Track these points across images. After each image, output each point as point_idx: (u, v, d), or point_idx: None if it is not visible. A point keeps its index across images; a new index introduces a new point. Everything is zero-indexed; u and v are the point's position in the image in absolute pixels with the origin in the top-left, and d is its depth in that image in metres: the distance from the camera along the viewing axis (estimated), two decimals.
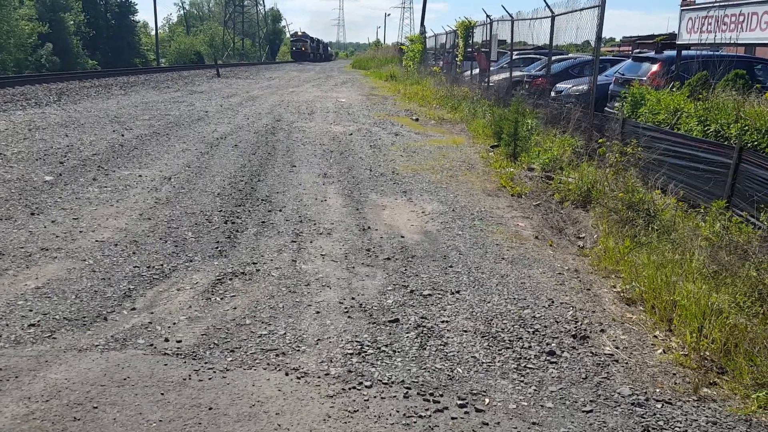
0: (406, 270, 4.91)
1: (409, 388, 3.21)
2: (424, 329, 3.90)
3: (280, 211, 6.50)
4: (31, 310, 3.91)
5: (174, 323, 3.84)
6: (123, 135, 10.60)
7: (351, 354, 3.54)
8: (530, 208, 7.08)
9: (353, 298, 4.32)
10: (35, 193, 6.62)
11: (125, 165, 8.28)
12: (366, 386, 3.21)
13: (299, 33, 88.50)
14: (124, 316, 3.91)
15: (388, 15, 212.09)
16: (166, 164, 8.46)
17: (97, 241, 5.25)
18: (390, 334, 3.82)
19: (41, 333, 3.64)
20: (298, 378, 3.27)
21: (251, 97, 19.78)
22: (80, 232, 5.46)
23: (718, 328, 3.70)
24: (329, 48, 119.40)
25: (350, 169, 8.80)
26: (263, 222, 6.08)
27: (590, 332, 3.98)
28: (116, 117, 12.95)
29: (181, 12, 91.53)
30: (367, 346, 3.65)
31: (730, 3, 8.98)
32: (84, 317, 3.87)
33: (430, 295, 4.44)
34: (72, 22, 54.77)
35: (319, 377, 3.29)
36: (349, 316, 4.04)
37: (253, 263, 4.94)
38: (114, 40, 64.01)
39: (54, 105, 14.83)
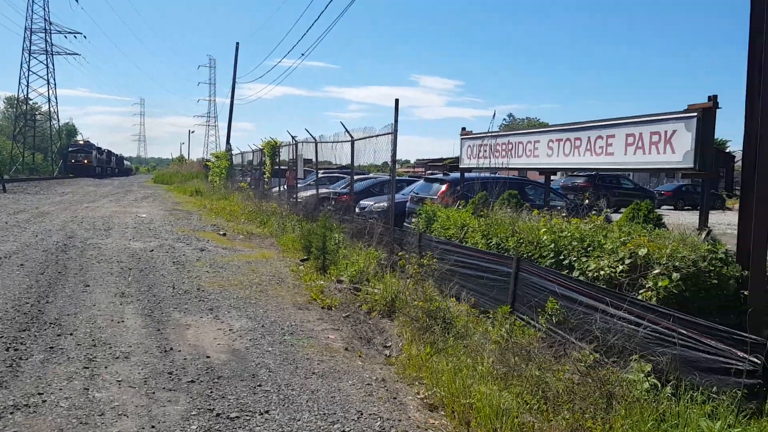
0: (212, 392, 4.71)
1: None
2: None
3: (71, 334, 5.95)
4: None
5: None
6: None
7: None
8: (340, 319, 7.24)
9: (153, 427, 4.02)
10: None
11: None
12: None
13: (80, 141, 74.49)
14: None
15: (193, 132, 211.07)
16: None
17: None
18: None
19: None
20: None
21: (41, 213, 18.21)
22: None
23: (509, 427, 4.02)
24: (125, 161, 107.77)
25: (151, 287, 8.38)
26: (51, 347, 5.51)
27: None
28: None
29: None
30: None
31: (501, 133, 10.49)
32: None
33: (237, 417, 4.28)
34: None
35: None
36: None
37: (39, 394, 4.42)
38: None
39: None
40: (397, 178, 13.15)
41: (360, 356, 5.93)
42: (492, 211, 8.81)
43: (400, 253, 9.45)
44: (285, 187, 21.17)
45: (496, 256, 7.47)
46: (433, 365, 5.21)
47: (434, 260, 7.91)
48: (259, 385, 4.92)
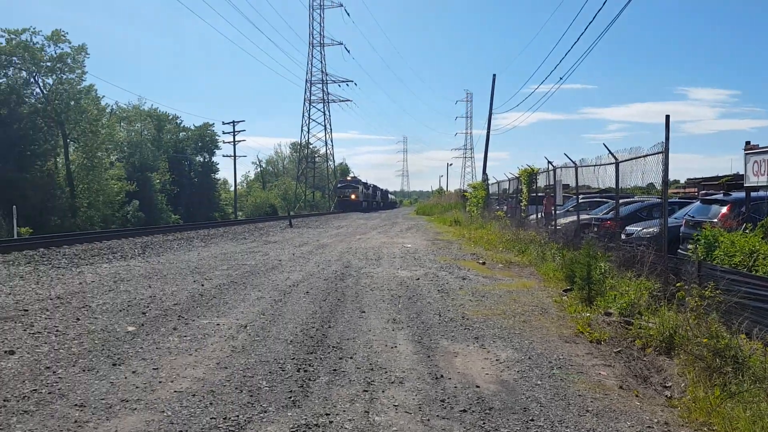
0: (484, 423, 4.70)
1: None
2: None
3: (351, 358, 6.47)
4: None
5: None
6: (203, 285, 11.05)
7: None
8: (611, 355, 6.78)
9: None
10: (118, 344, 6.87)
11: (204, 314, 8.56)
12: None
13: (348, 178, 78.87)
14: None
15: (450, 164, 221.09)
16: (242, 312, 8.69)
17: (175, 391, 5.33)
18: None
19: None
20: None
21: (321, 245, 20.45)
22: (159, 382, 5.57)
23: None
24: (390, 195, 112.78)
25: (419, 314, 8.78)
26: (335, 370, 6.05)
27: None
28: (197, 268, 13.59)
29: (258, 170, 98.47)
30: None
31: None
32: None
33: None
34: (158, 181, 59.52)
35: None
36: None
37: (326, 414, 4.86)
38: (196, 197, 68.83)
39: (138, 257, 15.76)
40: (669, 200, 12.01)
41: (637, 396, 5.46)
42: None
43: (677, 284, 8.55)
44: (542, 214, 20.78)
45: None
46: (725, 411, 4.57)
47: (717, 292, 6.99)
48: (532, 420, 4.79)
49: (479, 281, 12.07)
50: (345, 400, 5.18)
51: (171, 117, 70.86)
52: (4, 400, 4.99)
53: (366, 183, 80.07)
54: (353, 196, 69.83)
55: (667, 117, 9.27)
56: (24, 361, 6.08)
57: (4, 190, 38.93)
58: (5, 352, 6.36)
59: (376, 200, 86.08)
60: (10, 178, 40.46)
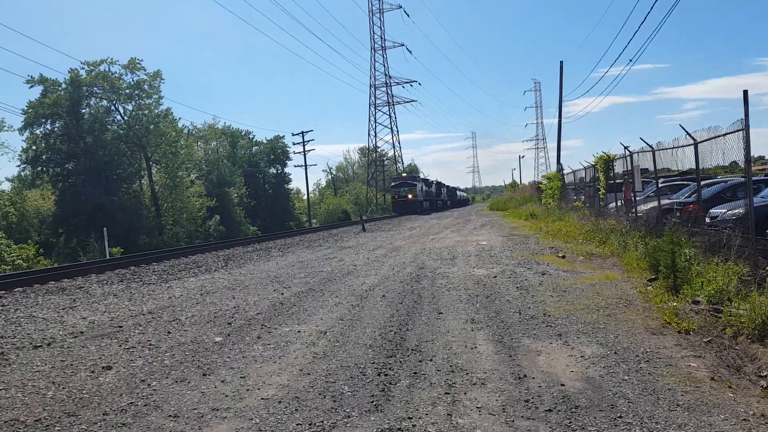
0: (570, 422, 4.59)
1: None
2: None
3: (431, 360, 6.46)
4: None
5: None
6: (282, 293, 11.34)
7: None
8: (701, 345, 6.47)
9: None
10: (206, 354, 7.15)
11: (285, 322, 8.78)
12: None
13: (403, 174, 66.33)
14: None
15: (522, 156, 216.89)
16: (321, 319, 8.86)
17: (262, 398, 5.49)
18: None
19: None
20: None
21: (395, 247, 20.55)
22: (247, 390, 5.76)
23: None
24: (460, 192, 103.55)
25: (498, 313, 8.67)
26: (415, 373, 6.06)
27: None
28: (276, 277, 13.96)
29: (329, 177, 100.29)
30: None
31: None
32: None
33: None
34: (236, 195, 61.68)
35: None
36: None
37: (409, 418, 4.88)
38: (271, 208, 70.80)
39: (222, 270, 16.34)
40: (753, 178, 11.35)
41: (730, 387, 5.19)
42: None
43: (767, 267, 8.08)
44: (622, 201, 20.08)
45: None
46: None
47: None
48: (620, 417, 4.64)
49: (559, 275, 11.80)
50: (427, 403, 5.18)
51: (243, 133, 73.36)
52: (104, 414, 5.29)
53: (427, 179, 70.88)
54: (410, 196, 58.27)
55: (745, 92, 8.79)
56: (120, 376, 6.43)
57: (95, 214, 41.36)
58: (103, 367, 6.74)
59: (440, 198, 75.08)
60: (99, 202, 42.94)
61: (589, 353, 6.40)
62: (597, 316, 8.12)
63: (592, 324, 7.67)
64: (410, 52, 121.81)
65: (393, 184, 63.04)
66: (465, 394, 5.38)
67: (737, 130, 9.32)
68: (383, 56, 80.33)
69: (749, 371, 5.58)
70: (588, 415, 4.73)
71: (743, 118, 8.87)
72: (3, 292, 13.43)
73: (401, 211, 57.55)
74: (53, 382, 6.23)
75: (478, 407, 5.03)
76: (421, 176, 71.28)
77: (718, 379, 5.40)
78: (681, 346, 6.49)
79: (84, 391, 5.90)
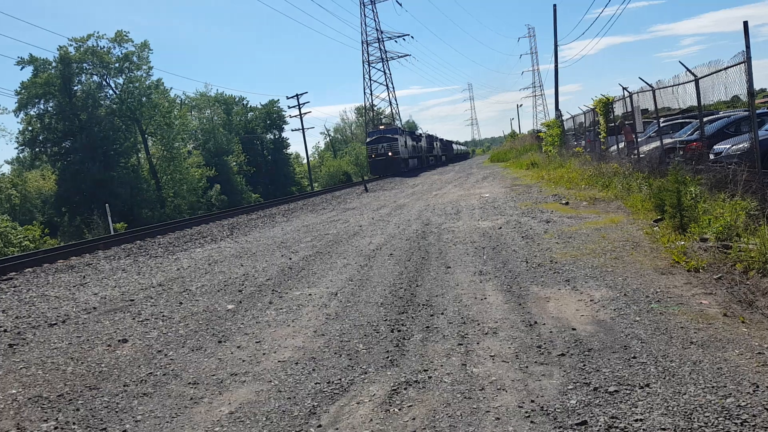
0: (584, 365, 4.65)
1: None
2: (618, 430, 3.61)
3: (442, 314, 6.52)
4: None
5: None
6: (290, 258, 11.39)
7: None
8: (711, 282, 6.50)
9: (532, 401, 4.14)
10: (220, 322, 7.22)
11: (296, 286, 8.83)
12: None
13: (381, 126, 54.10)
14: None
15: (521, 105, 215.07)
16: (331, 281, 8.91)
17: (279, 361, 5.56)
18: None
19: None
20: None
21: (399, 205, 20.54)
22: (263, 354, 5.83)
23: None
24: (458, 145, 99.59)
25: (505, 263, 8.70)
26: (427, 327, 6.12)
27: None
28: (282, 242, 14.00)
29: (327, 139, 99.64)
30: None
31: None
32: None
33: (616, 391, 4.14)
34: (235, 163, 61.44)
35: None
36: (531, 421, 3.86)
37: (424, 370, 4.94)
38: (272, 174, 70.58)
39: (228, 239, 16.39)
40: (757, 111, 11.23)
41: (743, 322, 5.23)
42: None
43: None
44: (623, 144, 19.95)
45: None
46: None
47: None
48: (634, 357, 4.69)
49: (564, 222, 11.80)
50: (441, 355, 5.24)
51: (237, 99, 72.64)
52: (124, 385, 5.37)
53: (413, 132, 60.70)
54: (390, 153, 46.71)
55: (745, 23, 8.63)
56: (137, 347, 6.51)
57: (96, 191, 41.32)
58: (119, 341, 6.82)
59: (432, 154, 66.06)
60: (99, 179, 42.86)
61: (598, 297, 6.44)
62: (604, 259, 8.14)
63: (599, 268, 7.70)
64: (400, 5, 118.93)
65: (368, 139, 50.91)
66: (478, 344, 5.43)
67: (739, 63, 9.18)
68: (373, 11, 78.96)
69: (762, 305, 5.61)
70: (601, 357, 4.78)
71: (744, 50, 8.73)
72: (14, 273, 13.52)
73: (381, 171, 46.95)
74: (72, 358, 6.31)
75: (491, 356, 5.09)
76: (403, 128, 59.83)
77: (731, 315, 5.44)
78: (691, 285, 6.52)
79: (103, 365, 5.99)
